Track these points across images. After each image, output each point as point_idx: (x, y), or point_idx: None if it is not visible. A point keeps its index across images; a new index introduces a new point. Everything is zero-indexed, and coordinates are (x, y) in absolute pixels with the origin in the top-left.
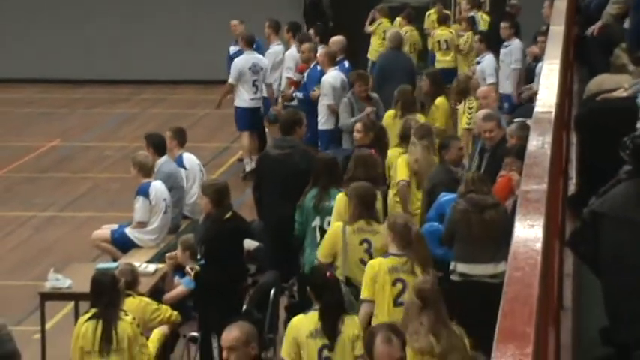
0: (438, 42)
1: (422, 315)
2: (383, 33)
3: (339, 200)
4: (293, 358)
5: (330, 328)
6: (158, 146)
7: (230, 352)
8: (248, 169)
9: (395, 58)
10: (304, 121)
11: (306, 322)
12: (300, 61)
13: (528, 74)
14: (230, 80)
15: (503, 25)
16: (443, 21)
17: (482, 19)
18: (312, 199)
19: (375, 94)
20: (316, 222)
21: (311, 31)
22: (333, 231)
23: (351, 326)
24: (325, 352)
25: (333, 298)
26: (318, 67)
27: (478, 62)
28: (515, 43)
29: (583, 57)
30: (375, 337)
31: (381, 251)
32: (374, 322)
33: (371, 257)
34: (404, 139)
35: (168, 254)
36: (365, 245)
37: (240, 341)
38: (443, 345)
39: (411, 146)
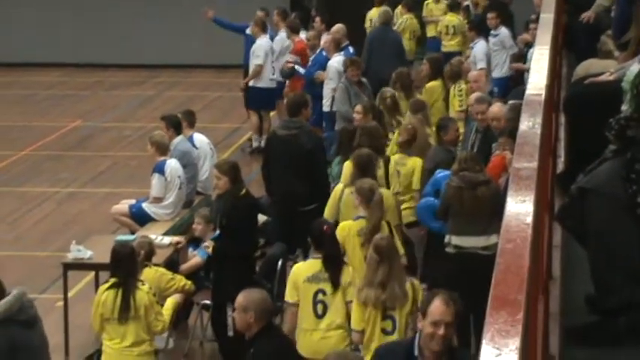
0: (446, 27)
1: (378, 268)
2: (370, 21)
3: (346, 166)
4: (295, 300)
5: (333, 277)
6: (176, 126)
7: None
8: (256, 145)
9: (384, 33)
10: (309, 103)
11: (305, 268)
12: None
13: (520, 60)
14: (259, 62)
15: (490, 15)
16: (452, 8)
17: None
18: (337, 164)
19: (364, 79)
20: (340, 186)
21: (317, 19)
22: (335, 192)
23: (346, 274)
24: (320, 296)
25: (332, 250)
26: (324, 53)
27: (471, 48)
28: (503, 31)
29: (571, 43)
30: (435, 297)
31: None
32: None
33: None
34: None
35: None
36: None
37: (240, 306)
38: (388, 295)
39: (406, 119)
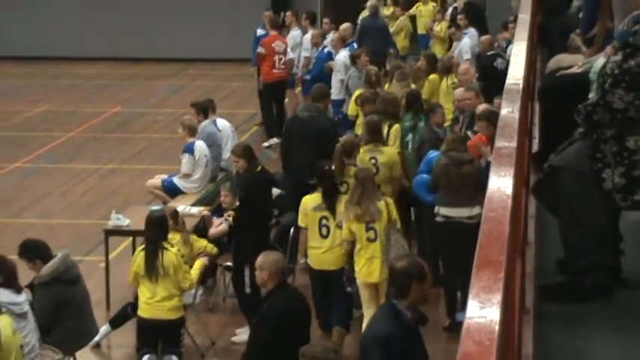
0: None
1: (356, 191)
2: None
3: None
4: (305, 225)
5: (330, 206)
6: (205, 111)
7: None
8: None
9: (373, 21)
10: (330, 95)
11: (312, 200)
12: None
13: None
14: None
15: (459, 17)
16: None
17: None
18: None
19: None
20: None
21: (326, 20)
22: None
23: (342, 204)
24: (324, 221)
25: (330, 184)
26: (326, 50)
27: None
28: (472, 32)
29: (545, 40)
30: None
31: (385, 164)
32: None
33: (378, 169)
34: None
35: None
36: (373, 160)
37: (258, 266)
38: (363, 210)
39: (392, 87)
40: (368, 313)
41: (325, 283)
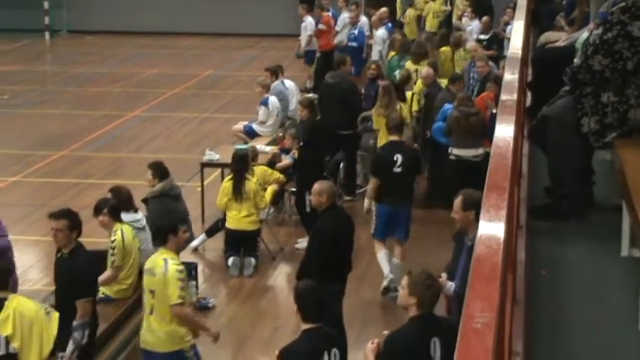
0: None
1: (384, 97)
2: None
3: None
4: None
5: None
6: (276, 73)
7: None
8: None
9: None
10: (348, 61)
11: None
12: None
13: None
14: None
15: (466, 12)
16: None
17: None
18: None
19: None
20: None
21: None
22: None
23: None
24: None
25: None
26: (365, 29)
27: (469, 25)
28: (475, 23)
29: (537, 20)
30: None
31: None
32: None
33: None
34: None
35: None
36: (415, 73)
37: (316, 192)
38: (390, 110)
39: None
40: None
41: None
